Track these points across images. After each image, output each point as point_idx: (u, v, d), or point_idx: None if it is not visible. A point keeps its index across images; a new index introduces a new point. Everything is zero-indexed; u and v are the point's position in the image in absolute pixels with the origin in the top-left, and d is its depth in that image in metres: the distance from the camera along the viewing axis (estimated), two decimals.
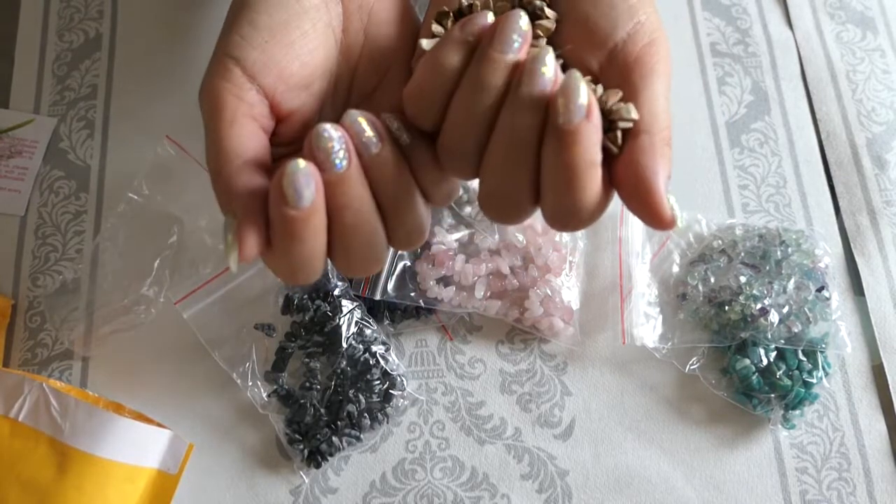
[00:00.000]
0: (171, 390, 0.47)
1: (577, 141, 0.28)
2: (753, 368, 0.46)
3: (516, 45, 0.28)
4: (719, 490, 0.45)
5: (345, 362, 0.46)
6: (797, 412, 0.46)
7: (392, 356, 0.47)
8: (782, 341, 0.46)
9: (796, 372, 0.46)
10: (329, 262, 0.31)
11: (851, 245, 0.51)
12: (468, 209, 0.49)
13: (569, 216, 0.30)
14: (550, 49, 0.29)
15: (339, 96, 0.36)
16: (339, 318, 0.46)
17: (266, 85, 0.31)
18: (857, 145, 0.54)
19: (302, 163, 0.28)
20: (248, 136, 0.31)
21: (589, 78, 0.31)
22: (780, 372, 0.46)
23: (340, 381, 0.46)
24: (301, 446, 0.45)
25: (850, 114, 0.55)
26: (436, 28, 0.33)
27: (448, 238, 0.48)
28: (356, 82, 0.36)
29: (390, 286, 0.47)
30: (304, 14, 0.33)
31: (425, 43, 0.32)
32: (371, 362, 0.46)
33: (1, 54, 0.56)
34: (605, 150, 0.30)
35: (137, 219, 0.50)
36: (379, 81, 0.36)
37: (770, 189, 0.53)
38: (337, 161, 0.28)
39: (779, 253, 0.48)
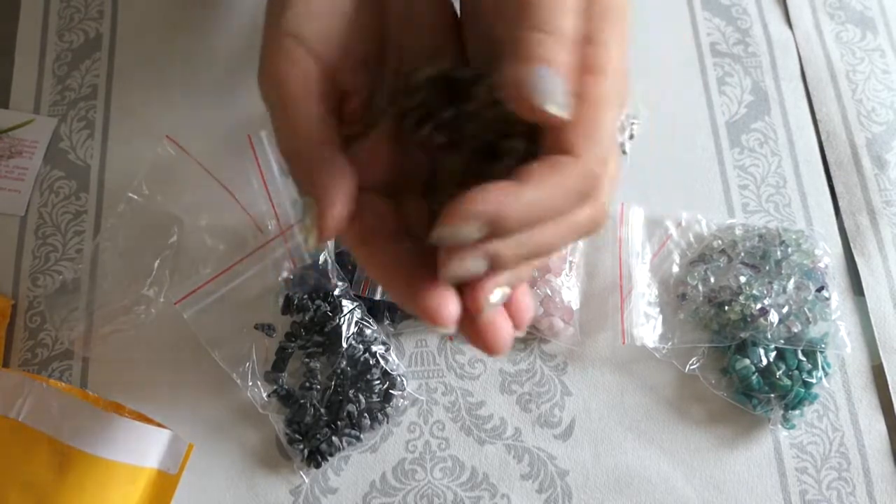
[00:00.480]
0: (171, 390, 0.47)
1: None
2: (753, 368, 0.46)
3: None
4: (719, 490, 0.45)
5: (345, 362, 0.46)
6: (797, 412, 0.46)
7: (392, 356, 0.47)
8: (782, 341, 0.46)
9: (796, 372, 0.46)
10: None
11: (851, 245, 0.51)
12: None
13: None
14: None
15: (391, 67, 0.34)
16: (339, 318, 0.46)
17: (330, 63, 0.31)
18: (856, 145, 0.54)
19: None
20: (321, 117, 0.30)
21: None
22: (780, 372, 0.46)
23: (340, 381, 0.46)
24: (301, 446, 0.45)
25: (850, 114, 0.55)
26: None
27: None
28: (405, 53, 0.34)
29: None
30: None
31: None
32: (371, 362, 0.46)
33: (1, 54, 0.56)
34: None
35: (137, 219, 0.50)
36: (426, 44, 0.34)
37: (770, 189, 0.53)
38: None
39: (779, 253, 0.48)
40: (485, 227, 0.26)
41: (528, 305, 0.32)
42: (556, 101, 0.27)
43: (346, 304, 0.47)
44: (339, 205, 0.29)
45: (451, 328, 0.28)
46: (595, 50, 0.29)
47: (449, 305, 0.28)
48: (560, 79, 0.27)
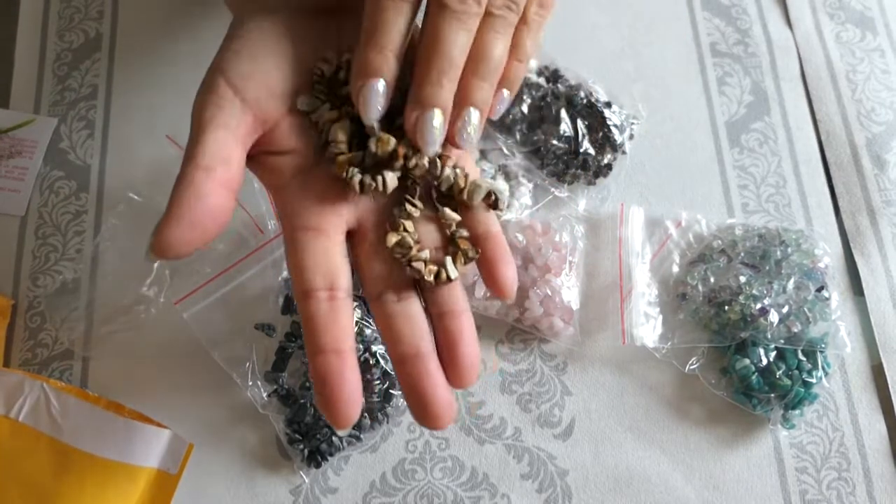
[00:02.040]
0: (171, 390, 0.47)
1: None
2: (753, 368, 0.46)
3: None
4: (719, 490, 0.45)
5: None
6: (797, 412, 0.46)
7: None
8: (782, 341, 0.46)
9: (796, 372, 0.46)
10: None
11: (851, 245, 0.51)
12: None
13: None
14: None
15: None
16: None
17: (249, 97, 0.33)
18: (856, 145, 0.54)
19: None
20: (219, 143, 0.32)
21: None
22: (780, 372, 0.46)
23: None
24: (301, 446, 0.45)
25: (850, 114, 0.55)
26: (303, 103, 0.34)
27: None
28: None
29: None
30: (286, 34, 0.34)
31: (300, 102, 0.34)
32: (371, 362, 0.46)
33: (1, 54, 0.56)
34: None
35: (137, 219, 0.50)
36: None
37: (770, 189, 0.53)
38: None
39: (778, 253, 0.48)
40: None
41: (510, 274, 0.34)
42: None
43: None
44: (182, 227, 0.30)
45: (347, 430, 0.32)
46: None
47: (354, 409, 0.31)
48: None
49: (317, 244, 0.33)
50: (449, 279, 0.33)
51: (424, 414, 0.31)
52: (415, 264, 0.33)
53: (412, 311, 0.33)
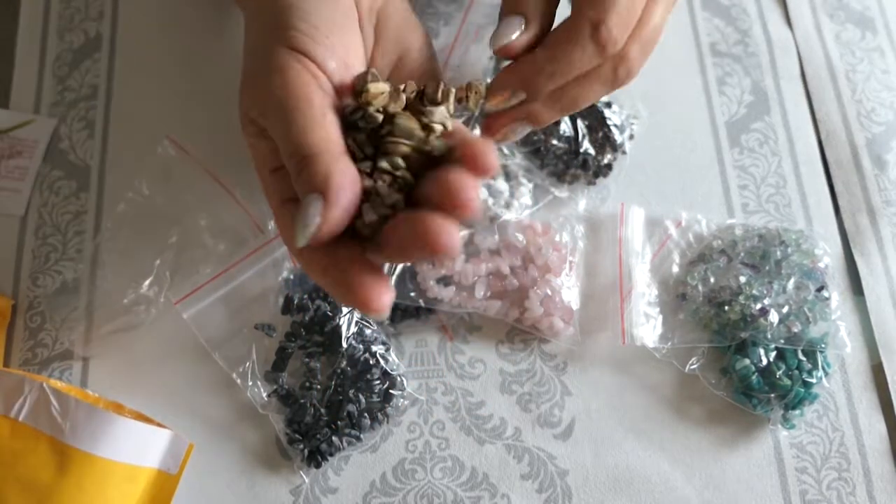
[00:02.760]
0: (171, 390, 0.47)
1: None
2: (753, 368, 0.46)
3: None
4: (719, 490, 0.45)
5: (345, 362, 0.46)
6: (797, 412, 0.46)
7: (392, 356, 0.47)
8: (782, 341, 0.46)
9: (796, 372, 0.46)
10: None
11: (851, 245, 0.51)
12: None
13: None
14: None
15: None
16: (339, 318, 0.46)
17: (331, 71, 0.34)
18: (856, 145, 0.54)
19: None
20: (332, 117, 0.33)
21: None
22: (780, 372, 0.46)
23: (340, 381, 0.46)
24: (301, 446, 0.45)
25: (850, 114, 0.55)
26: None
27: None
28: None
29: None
30: (345, 10, 0.36)
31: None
32: (371, 362, 0.46)
33: (1, 54, 0.56)
34: None
35: (137, 219, 0.50)
36: (390, 72, 0.38)
37: (770, 189, 0.53)
38: None
39: (778, 253, 0.48)
40: (520, 93, 0.33)
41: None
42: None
43: None
44: (346, 203, 0.30)
45: (385, 315, 0.31)
46: None
47: (383, 296, 0.31)
48: None
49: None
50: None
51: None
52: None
53: None
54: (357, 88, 0.34)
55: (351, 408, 0.45)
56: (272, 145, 0.35)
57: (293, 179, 0.32)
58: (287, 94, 0.33)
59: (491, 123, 0.36)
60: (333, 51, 0.34)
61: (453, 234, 0.29)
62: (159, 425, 0.43)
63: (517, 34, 0.34)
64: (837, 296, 0.48)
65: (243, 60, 0.38)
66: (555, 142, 0.50)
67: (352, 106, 0.34)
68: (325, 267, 0.32)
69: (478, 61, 0.52)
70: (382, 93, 0.34)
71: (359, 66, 0.36)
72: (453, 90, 0.35)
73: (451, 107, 0.34)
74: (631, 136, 0.52)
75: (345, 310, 0.46)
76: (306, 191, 0.31)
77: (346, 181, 0.30)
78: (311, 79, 0.33)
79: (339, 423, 0.45)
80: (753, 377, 0.46)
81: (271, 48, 0.34)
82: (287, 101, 0.32)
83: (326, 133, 0.32)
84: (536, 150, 0.50)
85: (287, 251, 0.48)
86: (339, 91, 0.34)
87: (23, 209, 0.51)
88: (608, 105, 0.52)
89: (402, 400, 0.46)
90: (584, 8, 0.34)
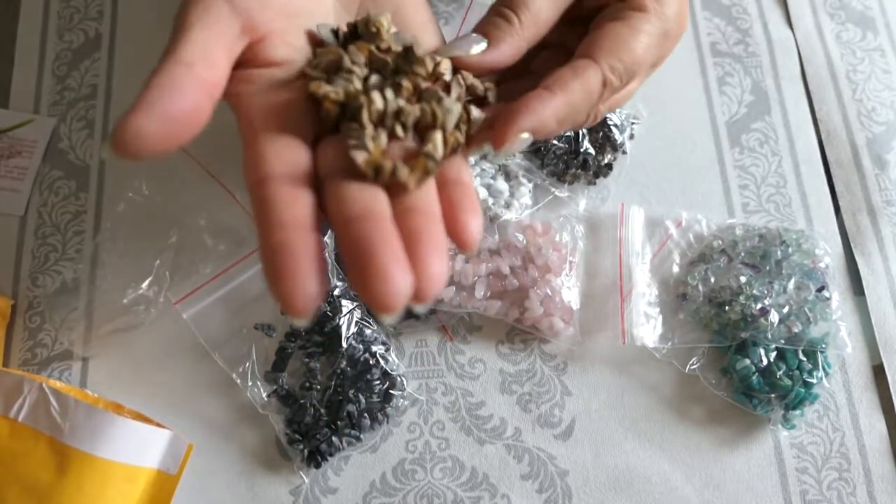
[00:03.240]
0: (171, 390, 0.47)
1: None
2: (753, 368, 0.46)
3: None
4: (719, 490, 0.45)
5: (345, 362, 0.46)
6: (797, 412, 0.46)
7: (392, 356, 0.47)
8: (782, 341, 0.46)
9: (796, 372, 0.46)
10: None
11: (852, 245, 0.51)
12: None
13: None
14: None
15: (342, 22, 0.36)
16: (339, 318, 0.46)
17: (241, 4, 0.31)
18: (857, 145, 0.54)
19: None
20: (204, 43, 0.30)
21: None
22: (781, 372, 0.46)
23: (340, 381, 0.46)
24: (301, 446, 0.45)
25: (851, 113, 0.55)
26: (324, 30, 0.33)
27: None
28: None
29: None
30: None
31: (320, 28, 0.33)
32: (371, 362, 0.46)
33: (1, 54, 0.56)
34: None
35: (137, 219, 0.50)
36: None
37: (770, 189, 0.53)
38: None
39: (779, 253, 0.48)
40: (530, 136, 0.32)
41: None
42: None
43: (346, 304, 0.47)
44: (151, 118, 0.28)
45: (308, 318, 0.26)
46: None
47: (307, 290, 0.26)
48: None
49: (279, 139, 0.30)
50: (435, 162, 0.30)
51: (369, 288, 0.25)
52: (400, 173, 0.29)
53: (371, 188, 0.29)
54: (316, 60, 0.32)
55: (351, 408, 0.45)
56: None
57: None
58: (177, 16, 0.31)
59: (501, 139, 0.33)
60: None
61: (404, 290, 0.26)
62: (159, 425, 0.43)
63: (475, 50, 0.34)
64: (838, 296, 0.48)
65: None
66: (555, 142, 0.50)
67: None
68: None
69: None
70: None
71: (289, 4, 0.33)
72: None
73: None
74: (631, 136, 0.52)
75: (345, 310, 0.46)
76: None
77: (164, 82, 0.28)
78: (204, 6, 0.31)
79: (339, 423, 0.45)
80: (754, 377, 0.46)
81: None
82: (175, 23, 0.31)
83: (185, 48, 0.30)
84: (536, 149, 0.50)
85: None
86: (244, 20, 0.31)
87: (22, 209, 0.51)
88: None
89: (402, 400, 0.46)
90: (598, 55, 0.34)
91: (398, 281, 0.25)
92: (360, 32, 0.33)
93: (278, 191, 0.28)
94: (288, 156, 0.29)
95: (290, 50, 0.33)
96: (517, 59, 0.35)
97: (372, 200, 0.28)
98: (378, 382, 0.46)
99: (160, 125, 0.27)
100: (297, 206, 0.27)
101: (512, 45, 0.34)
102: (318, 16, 0.34)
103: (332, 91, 0.30)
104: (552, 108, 0.32)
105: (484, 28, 0.34)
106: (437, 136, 0.31)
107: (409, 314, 0.48)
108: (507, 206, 0.49)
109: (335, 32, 0.34)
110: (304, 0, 0.34)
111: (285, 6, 0.33)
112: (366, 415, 0.45)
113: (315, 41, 0.34)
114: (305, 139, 0.31)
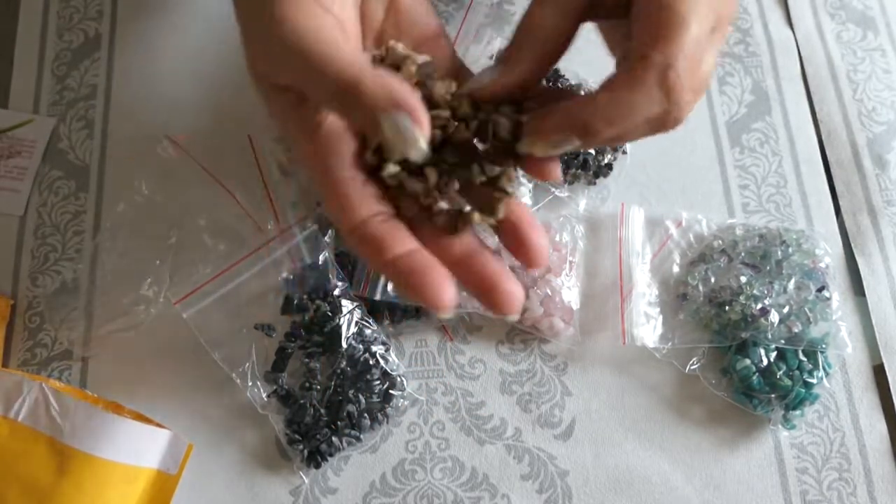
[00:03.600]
0: (171, 390, 0.47)
1: None
2: (754, 368, 0.46)
3: None
4: (719, 490, 0.45)
5: (345, 362, 0.46)
6: (798, 412, 0.46)
7: (392, 356, 0.47)
8: (783, 341, 0.46)
9: (797, 372, 0.46)
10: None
11: (852, 245, 0.51)
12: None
13: None
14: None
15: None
16: (339, 318, 0.46)
17: (335, 14, 0.32)
18: (857, 145, 0.54)
19: None
20: (349, 46, 0.31)
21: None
22: (781, 372, 0.46)
23: (340, 381, 0.46)
24: (301, 446, 0.45)
25: (851, 113, 0.55)
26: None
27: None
28: (365, 16, 0.37)
29: (390, 286, 0.47)
30: None
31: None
32: (371, 362, 0.46)
33: (0, 54, 0.56)
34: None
35: (137, 219, 0.50)
36: (386, 12, 0.36)
37: (770, 189, 0.53)
38: None
39: (779, 253, 0.48)
40: (573, 139, 0.31)
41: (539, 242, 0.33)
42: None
43: (346, 304, 0.47)
44: (421, 109, 0.29)
45: (450, 313, 0.30)
46: None
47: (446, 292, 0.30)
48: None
49: (361, 187, 0.32)
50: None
51: (496, 301, 0.31)
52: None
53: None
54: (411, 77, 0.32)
55: (351, 408, 0.45)
56: (291, 98, 0.33)
57: (348, 114, 0.31)
58: (296, 39, 0.31)
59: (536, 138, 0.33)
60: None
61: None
62: (159, 425, 0.43)
63: (488, 79, 0.33)
64: (838, 296, 0.48)
65: (238, 15, 0.36)
66: None
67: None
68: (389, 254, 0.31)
69: (477, 61, 0.52)
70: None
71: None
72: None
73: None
74: None
75: (345, 310, 0.46)
76: (378, 109, 0.29)
77: (405, 88, 0.29)
78: (323, 19, 0.31)
79: (338, 423, 0.45)
80: (754, 377, 0.46)
81: None
82: (298, 46, 0.31)
83: (353, 54, 0.30)
84: None
85: (286, 251, 0.48)
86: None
87: (22, 209, 0.51)
88: None
89: (402, 400, 0.46)
90: (649, 50, 0.31)
91: (517, 293, 0.31)
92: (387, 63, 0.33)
93: (377, 229, 0.31)
94: (370, 199, 0.31)
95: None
96: (538, 76, 0.34)
97: (469, 239, 0.32)
98: (378, 382, 0.46)
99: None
100: (402, 234, 0.31)
101: (523, 63, 0.33)
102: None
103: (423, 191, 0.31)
104: (596, 108, 0.32)
105: (501, 53, 0.34)
106: (509, 173, 0.33)
107: (409, 314, 0.48)
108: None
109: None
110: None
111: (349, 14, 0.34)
112: (366, 415, 0.45)
113: None
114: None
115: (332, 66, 0.30)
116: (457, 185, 0.32)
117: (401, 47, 0.33)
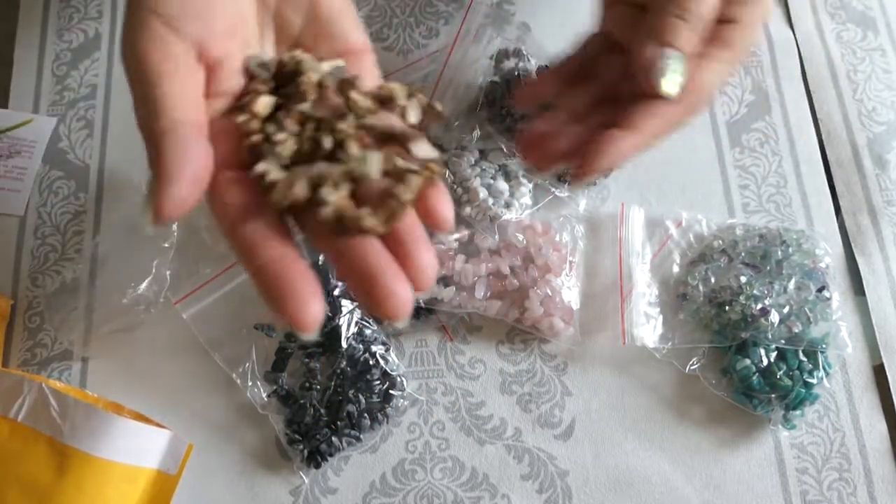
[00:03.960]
0: (171, 390, 0.47)
1: None
2: (754, 369, 0.46)
3: None
4: (719, 490, 0.45)
5: (345, 362, 0.46)
6: (798, 412, 0.46)
7: (392, 356, 0.47)
8: (783, 341, 0.46)
9: (797, 372, 0.46)
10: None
11: (852, 245, 0.51)
12: (468, 209, 0.49)
13: None
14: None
15: (268, 40, 0.35)
16: (339, 318, 0.46)
17: (191, 34, 0.31)
18: (857, 145, 0.54)
19: None
20: (180, 89, 0.30)
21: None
22: (781, 372, 0.46)
23: (340, 381, 0.46)
24: (301, 446, 0.45)
25: (851, 113, 0.55)
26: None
27: (448, 238, 0.48)
28: (281, 26, 0.36)
29: None
30: None
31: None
32: (371, 362, 0.46)
33: (0, 54, 0.56)
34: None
35: (137, 219, 0.50)
36: (304, 22, 0.35)
37: (770, 189, 0.53)
38: None
39: (779, 253, 0.48)
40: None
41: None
42: (670, 81, 0.35)
43: (346, 304, 0.47)
44: (183, 185, 0.29)
45: (314, 333, 0.28)
46: (730, 28, 0.36)
47: (313, 308, 0.28)
48: (680, 62, 0.35)
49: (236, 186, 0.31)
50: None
51: (374, 300, 0.27)
52: (366, 222, 0.29)
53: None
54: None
55: (351, 408, 0.45)
56: None
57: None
58: (132, 65, 0.30)
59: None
60: (191, 7, 0.31)
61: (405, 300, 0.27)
62: (159, 425, 0.43)
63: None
64: (838, 296, 0.48)
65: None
66: None
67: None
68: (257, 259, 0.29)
69: (477, 61, 0.52)
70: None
71: (225, 22, 0.32)
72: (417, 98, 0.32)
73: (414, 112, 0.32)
74: None
75: (345, 310, 0.46)
76: (150, 166, 0.29)
77: (179, 163, 0.29)
78: (160, 45, 0.30)
79: (338, 423, 0.45)
80: (754, 377, 0.46)
81: (129, 9, 0.31)
82: (132, 74, 0.30)
83: (167, 109, 0.30)
84: None
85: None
86: (197, 46, 0.31)
87: (22, 209, 0.51)
88: None
89: (402, 400, 0.46)
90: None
91: (402, 293, 0.28)
92: (286, 71, 0.33)
93: (255, 231, 0.29)
94: (246, 198, 0.30)
95: (237, 79, 0.33)
96: None
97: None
98: (378, 382, 0.46)
99: (191, 187, 0.29)
100: (278, 237, 0.29)
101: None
102: (249, 30, 0.34)
103: (285, 181, 0.30)
104: (627, 144, 0.36)
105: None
106: (411, 180, 0.30)
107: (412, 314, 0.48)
108: (508, 206, 0.49)
109: (264, 66, 0.33)
110: (233, 13, 0.33)
111: (225, 27, 0.32)
112: (366, 415, 0.45)
113: (248, 73, 0.33)
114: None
115: (146, 106, 0.30)
116: (349, 187, 0.30)
117: (298, 53, 0.33)
